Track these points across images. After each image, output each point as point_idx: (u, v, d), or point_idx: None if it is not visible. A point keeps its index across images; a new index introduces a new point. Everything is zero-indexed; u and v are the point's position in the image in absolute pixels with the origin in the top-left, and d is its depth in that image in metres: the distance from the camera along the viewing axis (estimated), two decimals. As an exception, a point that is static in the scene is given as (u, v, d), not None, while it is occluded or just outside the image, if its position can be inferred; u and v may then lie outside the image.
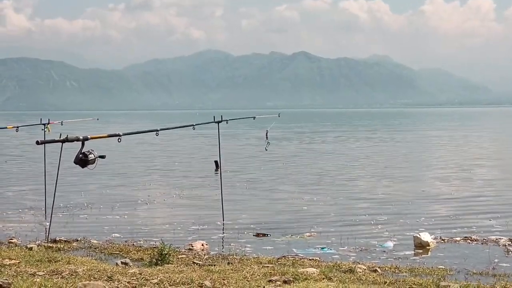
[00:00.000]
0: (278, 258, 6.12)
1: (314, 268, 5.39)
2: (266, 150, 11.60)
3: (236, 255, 6.34)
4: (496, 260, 6.18)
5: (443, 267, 5.84)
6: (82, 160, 8.03)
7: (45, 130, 9.25)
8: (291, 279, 4.85)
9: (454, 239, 7.26)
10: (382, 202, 10.33)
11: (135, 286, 4.49)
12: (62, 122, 9.81)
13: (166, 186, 12.50)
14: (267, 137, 10.60)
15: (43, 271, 5.00)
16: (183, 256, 6.22)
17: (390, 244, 7.03)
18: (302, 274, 5.06)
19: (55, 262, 5.56)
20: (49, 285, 4.38)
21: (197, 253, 6.51)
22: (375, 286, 4.72)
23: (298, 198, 10.83)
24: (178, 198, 10.81)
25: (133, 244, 7.03)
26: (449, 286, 4.66)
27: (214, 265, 5.57)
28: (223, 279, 4.73)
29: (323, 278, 4.98)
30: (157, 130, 7.93)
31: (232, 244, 7.17)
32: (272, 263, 5.81)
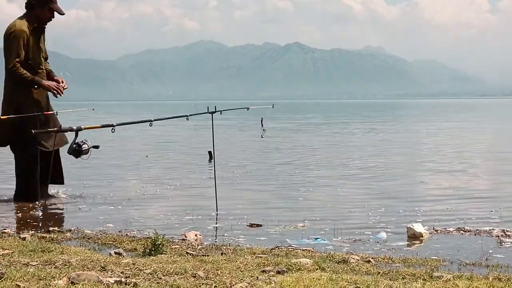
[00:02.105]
0: (272, 249, 6.13)
1: (308, 258, 5.39)
2: (262, 137, 11.58)
3: (229, 246, 6.34)
4: (490, 251, 6.20)
5: (436, 257, 5.84)
6: (76, 151, 8.04)
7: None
8: (285, 269, 4.86)
9: (447, 230, 7.27)
10: (379, 193, 10.32)
11: (129, 276, 4.49)
12: (57, 112, 9.76)
13: (160, 177, 12.49)
14: (262, 125, 10.54)
15: (37, 261, 4.99)
16: (176, 246, 6.21)
17: (383, 235, 7.03)
18: (295, 264, 5.06)
19: (48, 252, 5.55)
20: (42, 275, 4.37)
21: (191, 243, 6.50)
22: (368, 276, 4.73)
23: (294, 189, 10.81)
24: (172, 189, 10.80)
25: (126, 234, 7.02)
26: (442, 276, 4.67)
27: (208, 255, 5.57)
28: (217, 269, 4.73)
29: (317, 269, 4.98)
30: (151, 121, 7.93)
31: (225, 234, 7.16)
32: (265, 254, 5.81)
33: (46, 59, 9.40)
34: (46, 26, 9.20)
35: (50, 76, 9.36)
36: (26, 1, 8.99)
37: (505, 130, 33.23)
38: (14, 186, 9.39)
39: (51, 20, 9.18)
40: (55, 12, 9.09)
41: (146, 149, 19.76)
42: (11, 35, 8.88)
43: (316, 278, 4.43)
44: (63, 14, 9.14)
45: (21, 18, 9.01)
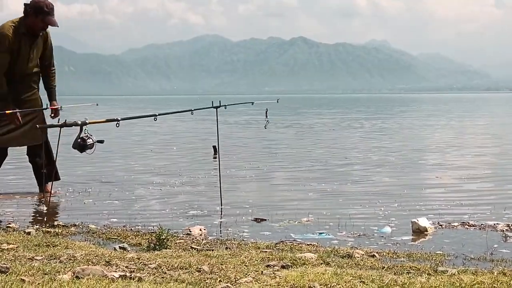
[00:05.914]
0: (276, 243, 6.12)
1: (312, 253, 5.40)
2: (265, 128, 11.54)
3: (234, 240, 6.34)
4: (495, 246, 6.18)
5: (440, 252, 5.84)
6: (81, 145, 8.05)
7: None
8: (289, 264, 4.86)
9: (452, 224, 7.26)
10: (385, 188, 10.28)
11: (133, 271, 4.49)
12: (61, 106, 9.77)
13: (164, 172, 12.49)
14: (266, 116, 10.55)
15: (41, 256, 5.00)
16: (181, 241, 6.21)
17: (388, 229, 7.02)
18: (300, 259, 5.06)
19: (53, 246, 5.56)
20: (47, 270, 4.38)
21: (195, 238, 6.50)
22: (373, 271, 4.73)
23: (302, 184, 10.72)
24: (176, 183, 10.80)
25: (131, 229, 7.03)
26: (447, 271, 4.67)
27: (212, 250, 5.58)
28: (221, 264, 4.74)
29: (321, 263, 4.98)
30: (156, 115, 7.93)
31: (230, 229, 7.16)
32: (270, 248, 5.81)
33: (46, 66, 9.30)
34: (41, 34, 9.07)
35: (51, 97, 9.31)
36: (23, 6, 8.89)
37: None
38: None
39: (44, 29, 9.10)
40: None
41: (149, 143, 19.77)
42: None
43: (321, 273, 4.43)
44: (57, 26, 9.07)
45: (12, 21, 8.89)
